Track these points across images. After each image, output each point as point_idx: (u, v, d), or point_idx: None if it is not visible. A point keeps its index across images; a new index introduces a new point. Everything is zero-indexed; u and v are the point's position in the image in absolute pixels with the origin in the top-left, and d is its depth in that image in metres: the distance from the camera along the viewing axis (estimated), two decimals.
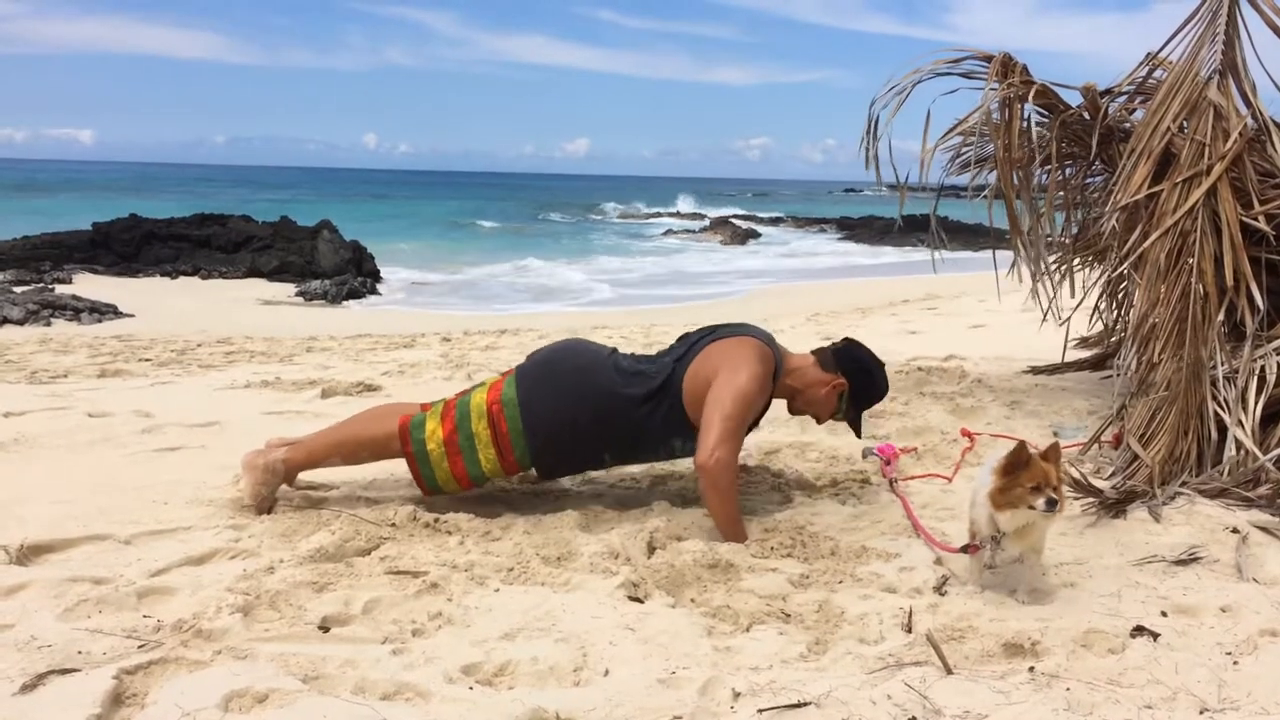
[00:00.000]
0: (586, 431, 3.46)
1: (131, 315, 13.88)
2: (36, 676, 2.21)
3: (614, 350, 3.68)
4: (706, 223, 44.59)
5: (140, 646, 2.38)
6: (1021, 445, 2.67)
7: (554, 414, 3.45)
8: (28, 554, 2.98)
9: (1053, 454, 2.69)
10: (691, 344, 3.57)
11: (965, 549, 2.86)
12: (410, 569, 2.93)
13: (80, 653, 2.34)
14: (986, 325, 9.82)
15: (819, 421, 3.76)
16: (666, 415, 3.44)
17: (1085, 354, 6.13)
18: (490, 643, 2.48)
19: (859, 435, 3.77)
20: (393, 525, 3.29)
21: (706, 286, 21.03)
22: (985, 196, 5.28)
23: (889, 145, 5.09)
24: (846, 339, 3.80)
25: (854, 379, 3.62)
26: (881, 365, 3.73)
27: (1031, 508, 2.64)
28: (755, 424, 3.65)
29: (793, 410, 3.72)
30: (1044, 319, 5.43)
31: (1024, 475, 2.64)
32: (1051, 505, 2.63)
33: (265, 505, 3.43)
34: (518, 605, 2.70)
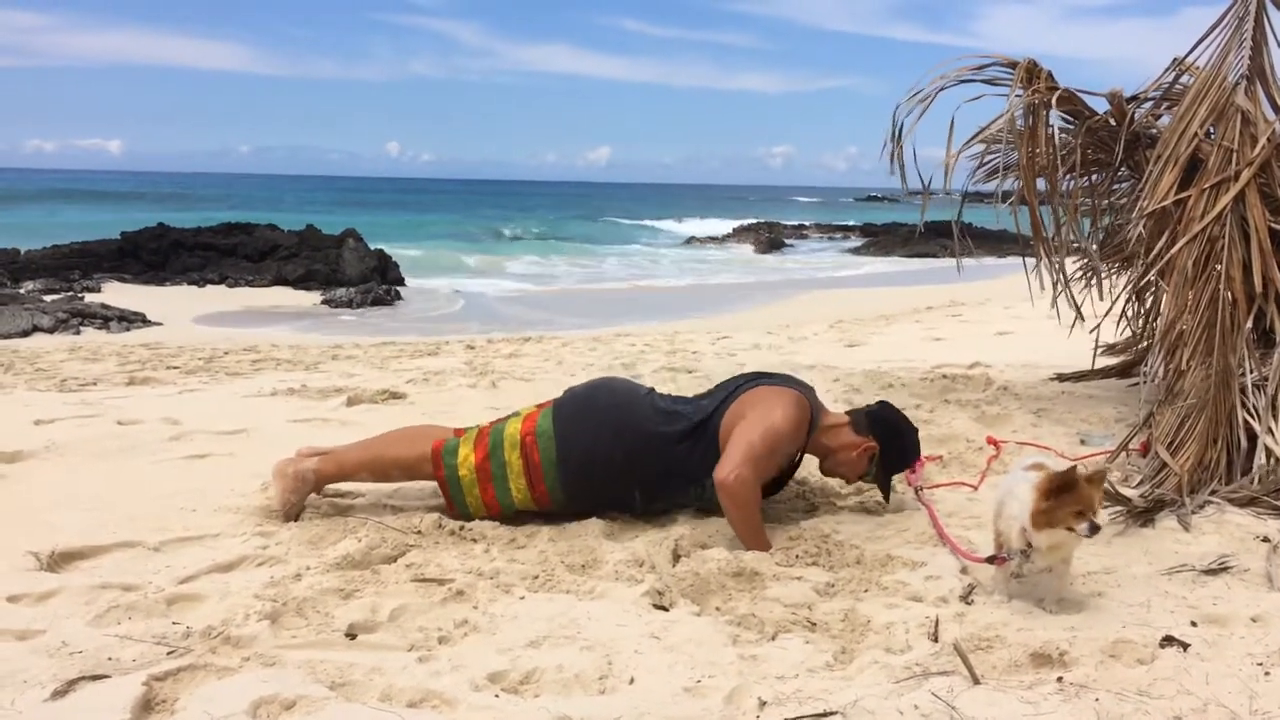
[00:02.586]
0: (620, 468, 3.47)
1: (160, 324, 14.02)
2: (67, 683, 2.23)
3: (651, 390, 3.72)
4: (731, 230, 44.55)
5: (169, 653, 2.40)
6: (1072, 469, 2.65)
7: (589, 448, 3.47)
8: (58, 561, 3.01)
9: (1098, 478, 2.67)
10: (732, 390, 3.58)
11: (991, 560, 2.84)
12: (436, 576, 2.94)
13: (110, 659, 2.36)
14: (1012, 332, 9.76)
15: (848, 482, 3.75)
16: (701, 456, 3.44)
17: (1112, 361, 6.09)
18: (516, 650, 2.49)
19: (887, 500, 3.72)
20: (418, 533, 3.31)
21: (732, 295, 21.01)
22: (1011, 204, 5.27)
23: (914, 152, 5.08)
24: (881, 402, 3.81)
25: (885, 443, 3.61)
26: (914, 430, 3.74)
27: (1071, 529, 2.62)
28: (786, 478, 3.67)
29: (824, 470, 3.73)
30: (1072, 327, 5.38)
31: (1070, 498, 2.62)
32: (1094, 530, 2.62)
33: (293, 513, 3.46)
34: (543, 613, 2.71)
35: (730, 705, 2.21)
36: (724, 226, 47.22)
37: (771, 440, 3.34)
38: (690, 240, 41.21)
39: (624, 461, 3.48)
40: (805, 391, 3.58)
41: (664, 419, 3.52)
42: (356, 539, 3.20)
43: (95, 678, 2.26)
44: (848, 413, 3.71)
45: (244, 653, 2.43)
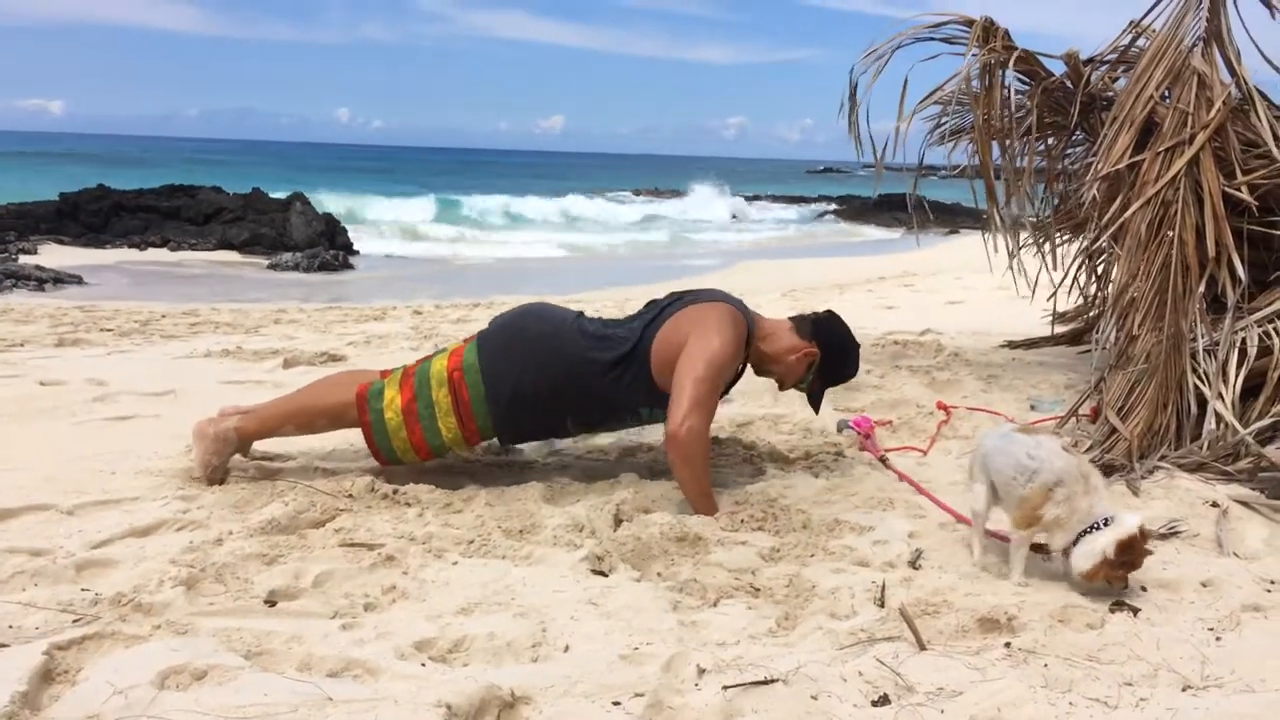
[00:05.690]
0: (551, 398, 3.34)
1: (97, 285, 13.63)
2: None
3: (579, 314, 3.54)
4: (687, 201, 44.32)
5: (75, 621, 2.25)
6: (1140, 538, 2.51)
7: (518, 380, 3.32)
8: None
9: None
10: (661, 309, 3.45)
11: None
12: (365, 541, 2.82)
13: (11, 627, 2.21)
14: (963, 302, 9.76)
15: (781, 387, 3.62)
16: (633, 381, 3.31)
17: (1062, 329, 6.07)
18: (446, 617, 2.38)
19: (816, 411, 3.65)
20: (350, 496, 3.18)
21: (685, 264, 20.90)
22: (965, 174, 5.22)
23: (868, 117, 4.99)
24: (828, 311, 3.68)
25: (827, 351, 3.51)
26: (857, 345, 3.63)
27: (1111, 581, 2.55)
28: (726, 392, 3.54)
29: (758, 372, 3.60)
30: (1033, 289, 5.34)
31: (1129, 567, 2.53)
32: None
33: (217, 475, 3.30)
34: (476, 579, 2.60)
35: (668, 673, 2.10)
36: (679, 198, 46.98)
37: (715, 372, 3.21)
38: (647, 213, 40.92)
39: (554, 391, 3.33)
40: (736, 304, 3.46)
41: (594, 344, 3.37)
42: (283, 503, 3.05)
43: None
44: (792, 318, 3.58)
45: (155, 620, 2.29)
